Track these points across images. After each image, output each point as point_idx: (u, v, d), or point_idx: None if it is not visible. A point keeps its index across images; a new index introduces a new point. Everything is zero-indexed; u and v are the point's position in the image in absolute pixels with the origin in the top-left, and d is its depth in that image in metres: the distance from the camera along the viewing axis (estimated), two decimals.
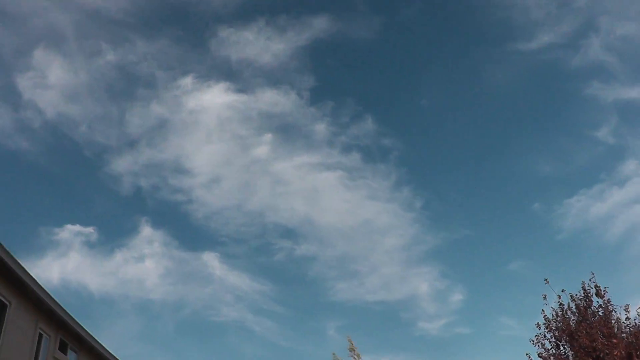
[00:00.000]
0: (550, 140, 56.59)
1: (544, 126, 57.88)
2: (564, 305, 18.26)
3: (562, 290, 18.49)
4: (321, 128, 51.33)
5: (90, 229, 45.05)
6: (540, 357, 18.13)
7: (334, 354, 25.61)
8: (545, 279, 18.53)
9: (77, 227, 44.75)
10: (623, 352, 16.07)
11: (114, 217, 50.97)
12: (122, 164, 48.04)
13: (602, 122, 55.87)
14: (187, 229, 51.92)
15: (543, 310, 18.47)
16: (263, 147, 49.54)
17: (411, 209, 57.77)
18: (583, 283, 18.20)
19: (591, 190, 55.90)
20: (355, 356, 25.53)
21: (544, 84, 56.90)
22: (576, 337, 17.09)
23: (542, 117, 57.11)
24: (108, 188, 47.85)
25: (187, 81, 46.90)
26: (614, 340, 16.37)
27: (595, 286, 17.99)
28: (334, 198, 54.77)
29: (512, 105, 57.89)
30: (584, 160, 56.04)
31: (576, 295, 18.15)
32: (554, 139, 56.79)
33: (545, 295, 18.48)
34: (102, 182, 47.84)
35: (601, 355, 16.25)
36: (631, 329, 17.03)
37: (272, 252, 52.28)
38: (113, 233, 51.72)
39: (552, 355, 17.97)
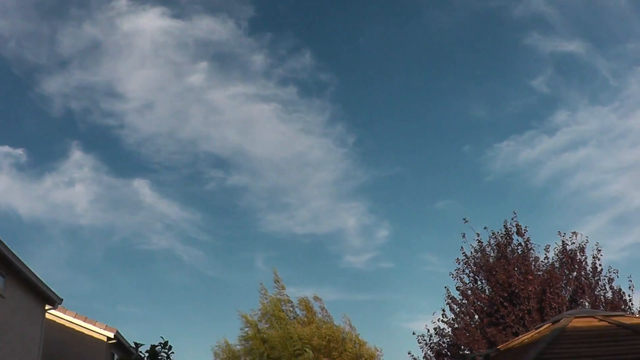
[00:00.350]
0: (486, 86, 57.49)
1: (481, 72, 58.64)
2: (482, 243, 18.80)
3: (485, 228, 19.02)
4: (258, 59, 50.08)
5: (19, 151, 42.70)
6: (458, 290, 18.71)
7: (261, 284, 25.76)
8: (465, 219, 19.04)
9: (5, 148, 42.37)
10: (537, 288, 16.73)
11: (44, 139, 48.51)
12: (52, 85, 45.44)
13: (538, 72, 57.04)
14: (118, 155, 50.21)
15: (462, 247, 19.01)
16: (198, 75, 47.98)
17: (344, 144, 57.88)
18: (505, 221, 18.77)
19: (522, 136, 57.49)
20: (279, 287, 25.78)
21: (485, 31, 57.32)
22: (494, 273, 17.65)
23: (480, 63, 57.76)
24: (38, 109, 45.30)
25: (122, 3, 44.31)
26: (530, 277, 17.02)
27: (517, 225, 18.57)
28: (268, 130, 54.11)
29: (451, 49, 58.10)
30: (517, 107, 57.37)
31: (498, 232, 18.65)
32: (489, 84, 57.75)
33: (464, 234, 19.01)
34: (32, 102, 45.19)
35: (516, 291, 16.88)
36: (546, 267, 17.70)
37: (203, 181, 51.48)
38: (43, 156, 49.37)
39: (470, 289, 18.54)
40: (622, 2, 51.67)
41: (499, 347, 11.67)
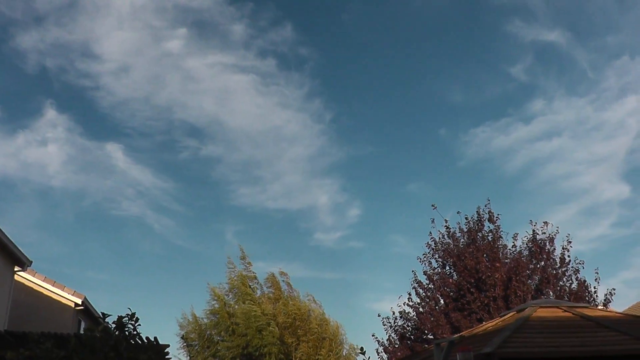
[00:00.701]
0: (465, 70, 57.55)
1: (461, 56, 58.63)
2: (451, 229, 18.81)
3: (457, 212, 19.03)
4: (239, 29, 49.29)
5: None
6: (425, 274, 18.72)
7: (229, 258, 25.52)
8: (433, 205, 18.99)
9: None
10: (504, 276, 16.77)
11: (17, 95, 47.37)
12: (28, 40, 44.18)
13: (517, 59, 57.18)
14: (92, 117, 49.26)
15: (430, 232, 19.03)
16: (176, 41, 47.06)
17: (320, 120, 57.64)
18: (478, 208, 18.79)
19: (497, 122, 57.81)
20: (246, 264, 25.58)
21: (468, 14, 57.22)
22: (462, 258, 17.65)
23: (461, 47, 57.74)
24: (12, 64, 44.09)
25: None
26: (497, 264, 17.07)
27: (489, 212, 18.60)
28: (245, 101, 53.58)
29: (433, 31, 57.96)
30: (495, 94, 57.60)
31: (470, 218, 18.65)
32: (469, 69, 57.80)
33: (433, 219, 19.02)
34: (6, 56, 43.96)
35: (483, 277, 16.91)
36: (514, 255, 17.77)
37: (177, 149, 50.83)
38: (16, 112, 48.20)
39: (437, 274, 18.56)
40: None
41: (463, 333, 11.65)
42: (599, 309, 13.11)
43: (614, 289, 17.49)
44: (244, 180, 54.33)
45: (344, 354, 24.90)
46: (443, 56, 58.49)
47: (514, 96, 58.35)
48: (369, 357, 9.49)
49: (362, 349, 9.31)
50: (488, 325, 11.02)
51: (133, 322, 9.64)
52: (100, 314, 10.85)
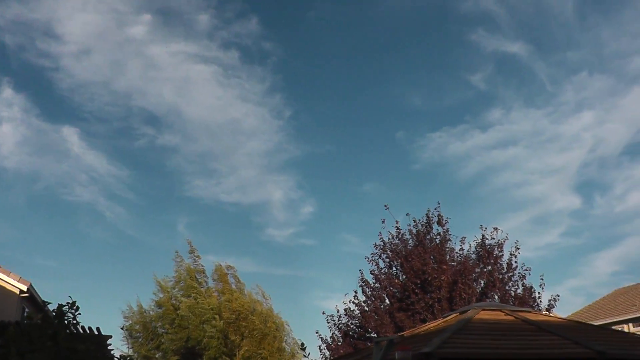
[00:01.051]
0: (426, 76, 58.02)
1: (424, 61, 59.11)
2: (401, 230, 18.72)
3: (407, 214, 18.93)
4: (204, 19, 48.51)
5: None
6: (372, 274, 18.58)
7: (176, 251, 25.04)
8: (385, 205, 18.96)
9: None
10: (450, 278, 16.74)
11: None
12: None
13: (478, 68, 57.95)
14: (49, 98, 47.75)
15: (380, 233, 18.88)
16: (140, 27, 46.00)
17: (280, 116, 57.26)
18: (428, 210, 18.77)
19: (454, 129, 58.56)
20: (195, 257, 25.12)
21: (433, 21, 57.74)
22: (409, 260, 17.55)
23: (423, 52, 58.18)
24: None
25: None
26: (444, 267, 17.03)
27: (439, 215, 18.60)
28: (205, 92, 52.77)
29: (398, 36, 58.28)
30: (454, 101, 58.22)
31: (419, 220, 18.59)
32: (429, 74, 58.29)
33: (384, 220, 18.86)
34: None
35: (429, 279, 16.84)
36: (461, 259, 17.77)
37: (134, 137, 49.65)
38: None
39: (384, 274, 18.43)
40: (568, 11, 52.97)
41: (404, 333, 11.49)
42: (542, 314, 13.15)
43: (558, 295, 17.77)
44: (199, 171, 53.52)
45: (288, 350, 24.68)
46: (405, 60, 58.86)
47: (472, 104, 59.07)
48: (309, 354, 9.23)
49: (302, 344, 9.06)
50: (430, 325, 10.87)
51: (73, 311, 9.19)
52: (42, 302, 10.38)
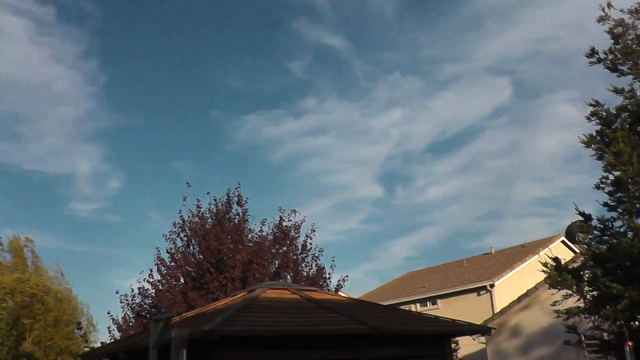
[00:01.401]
0: (247, 59, 57.97)
1: (245, 43, 58.90)
2: (201, 209, 18.45)
3: (207, 193, 18.67)
4: None
5: None
6: (168, 252, 18.13)
7: None
8: (187, 183, 18.64)
9: None
10: (245, 258, 16.82)
11: None
12: None
13: (297, 56, 58.99)
14: None
15: (180, 211, 18.49)
16: None
17: (93, 82, 53.59)
18: (228, 190, 18.68)
19: (269, 113, 59.18)
20: None
21: (257, 6, 57.71)
22: (207, 238, 17.35)
23: (246, 35, 57.96)
24: None
25: None
26: (240, 247, 17.07)
27: (239, 195, 18.61)
28: (16, 48, 47.49)
29: (222, 17, 57.52)
30: (271, 86, 58.79)
31: (220, 199, 18.43)
32: (250, 58, 58.22)
33: (185, 197, 18.48)
34: None
35: (225, 258, 16.78)
36: (257, 239, 17.94)
37: None
38: None
39: (180, 253, 18.05)
40: (389, 12, 55.87)
41: (192, 312, 11.30)
42: (328, 293, 13.68)
43: (347, 276, 18.75)
44: (3, 135, 48.35)
45: (82, 334, 23.35)
46: (227, 41, 58.07)
47: (289, 91, 60.09)
48: (85, 333, 8.66)
49: (78, 323, 8.52)
50: (218, 304, 10.81)
51: None
52: None
